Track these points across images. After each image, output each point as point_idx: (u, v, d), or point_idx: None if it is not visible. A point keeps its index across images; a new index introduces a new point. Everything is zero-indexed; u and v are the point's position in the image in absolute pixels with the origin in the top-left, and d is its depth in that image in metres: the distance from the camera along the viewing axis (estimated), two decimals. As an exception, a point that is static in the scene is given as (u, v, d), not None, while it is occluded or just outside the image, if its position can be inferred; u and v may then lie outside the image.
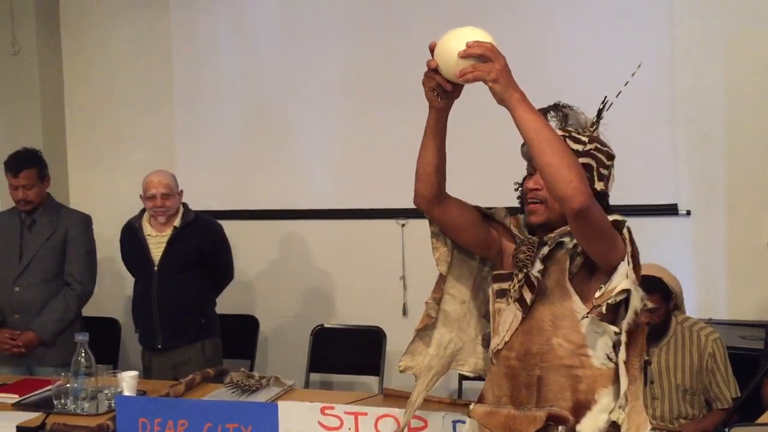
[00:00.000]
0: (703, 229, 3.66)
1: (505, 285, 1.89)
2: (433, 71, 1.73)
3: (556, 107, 1.95)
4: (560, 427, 1.76)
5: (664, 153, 3.68)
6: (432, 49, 1.73)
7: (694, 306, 3.51)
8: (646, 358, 2.80)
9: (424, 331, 2.05)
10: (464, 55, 1.65)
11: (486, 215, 1.98)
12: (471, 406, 1.93)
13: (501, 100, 1.68)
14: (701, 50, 3.63)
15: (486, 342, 2.02)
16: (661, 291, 2.80)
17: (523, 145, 1.92)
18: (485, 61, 1.65)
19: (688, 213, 3.66)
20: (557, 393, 1.78)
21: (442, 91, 1.75)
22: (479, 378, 2.10)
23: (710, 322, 3.32)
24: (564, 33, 3.73)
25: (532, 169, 1.88)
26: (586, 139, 1.86)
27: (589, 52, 3.71)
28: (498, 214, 1.99)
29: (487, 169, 3.63)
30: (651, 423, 2.74)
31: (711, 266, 3.65)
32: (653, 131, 3.68)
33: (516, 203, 1.98)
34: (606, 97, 1.86)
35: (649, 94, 3.66)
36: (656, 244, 3.65)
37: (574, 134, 1.88)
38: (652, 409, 2.84)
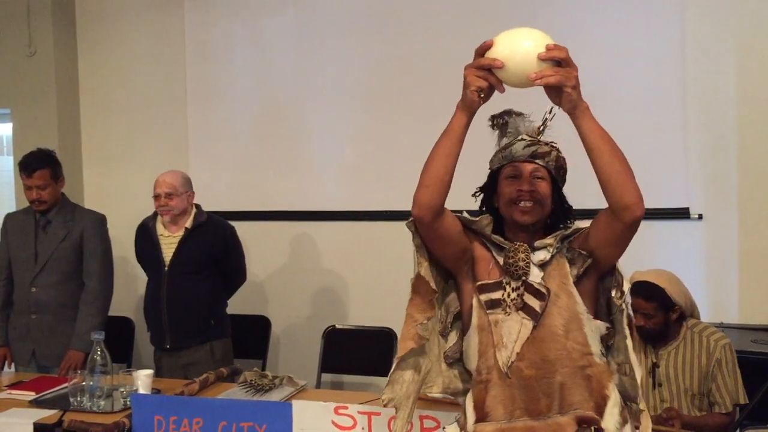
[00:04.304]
0: (714, 233, 3.65)
1: (495, 295, 1.82)
2: (487, 71, 1.65)
3: (508, 113, 1.94)
4: (593, 428, 1.75)
5: (676, 157, 3.68)
6: (485, 49, 1.65)
7: (706, 310, 3.51)
8: (654, 360, 2.82)
9: (406, 358, 1.91)
10: (545, 58, 1.60)
11: (464, 224, 1.90)
12: (472, 429, 1.82)
13: (572, 108, 1.65)
14: (713, 55, 3.63)
15: (450, 359, 1.95)
16: (660, 299, 2.77)
17: (503, 148, 1.91)
18: (563, 66, 1.61)
19: (700, 217, 3.67)
20: (581, 395, 1.78)
21: (488, 92, 1.69)
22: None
23: (721, 326, 3.32)
24: (576, 39, 3.70)
25: (517, 172, 1.87)
26: (557, 146, 1.90)
27: (601, 58, 3.70)
28: (481, 222, 1.91)
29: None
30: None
31: (722, 270, 3.65)
32: (665, 135, 3.68)
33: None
34: (552, 107, 1.80)
35: (662, 98, 3.68)
36: (668, 248, 3.66)
37: (544, 141, 1.90)
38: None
